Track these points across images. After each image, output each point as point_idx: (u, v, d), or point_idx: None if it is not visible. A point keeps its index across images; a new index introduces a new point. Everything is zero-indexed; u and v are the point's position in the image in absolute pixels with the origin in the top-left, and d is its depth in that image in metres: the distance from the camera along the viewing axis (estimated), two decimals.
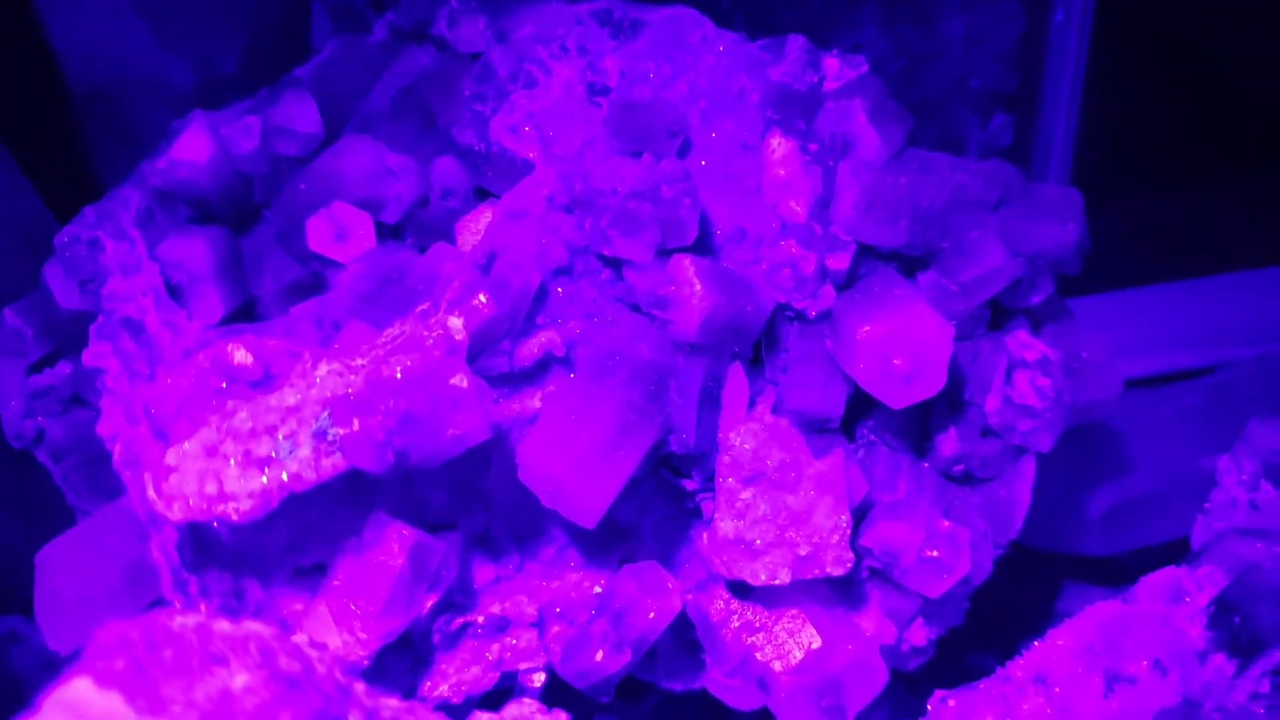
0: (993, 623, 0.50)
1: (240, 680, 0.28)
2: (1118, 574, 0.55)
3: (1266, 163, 0.63)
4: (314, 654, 0.30)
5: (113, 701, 0.27)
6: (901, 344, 0.41)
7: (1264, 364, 0.60)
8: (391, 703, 0.31)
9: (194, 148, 0.42)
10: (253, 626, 0.30)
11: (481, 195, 0.45)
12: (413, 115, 0.46)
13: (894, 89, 0.46)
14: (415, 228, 0.45)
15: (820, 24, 0.49)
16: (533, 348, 0.41)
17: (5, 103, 0.51)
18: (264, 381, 0.37)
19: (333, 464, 0.35)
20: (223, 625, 0.30)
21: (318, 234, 0.43)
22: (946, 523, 0.43)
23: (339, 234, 0.43)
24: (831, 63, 0.45)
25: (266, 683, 0.28)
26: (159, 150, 0.42)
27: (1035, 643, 0.44)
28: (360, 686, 0.30)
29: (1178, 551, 0.45)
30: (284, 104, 0.45)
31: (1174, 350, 0.63)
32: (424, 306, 0.39)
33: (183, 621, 0.29)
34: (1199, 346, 0.62)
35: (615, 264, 0.41)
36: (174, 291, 0.41)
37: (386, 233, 0.45)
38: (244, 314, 0.44)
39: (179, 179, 0.42)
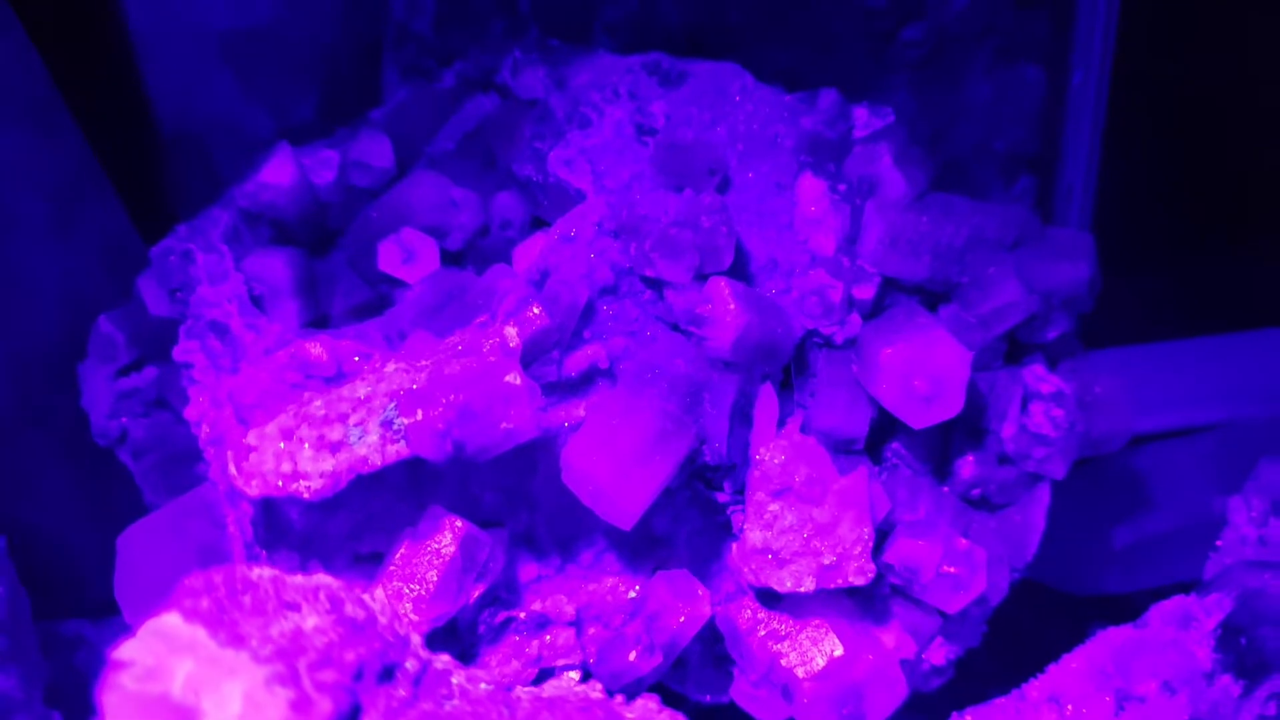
0: (1013, 658, 0.52)
1: (311, 622, 0.31)
2: (1135, 613, 0.57)
3: None
4: (377, 606, 0.33)
5: (198, 633, 0.30)
6: (922, 367, 0.44)
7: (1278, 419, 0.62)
8: (444, 657, 0.34)
9: (279, 173, 0.46)
10: (323, 579, 0.33)
11: (537, 226, 0.49)
12: (477, 155, 0.50)
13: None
14: (475, 255, 0.49)
15: (853, 87, 0.53)
16: (580, 360, 0.44)
17: (102, 140, 0.56)
18: (336, 378, 0.40)
19: (397, 450, 0.38)
20: (296, 578, 0.33)
21: (388, 256, 0.47)
22: (964, 541, 0.46)
23: (407, 256, 0.47)
24: (860, 113, 0.49)
25: (334, 625, 0.31)
26: (247, 175, 0.47)
27: (1050, 666, 0.46)
28: (417, 639, 0.33)
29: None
30: (361, 141, 0.49)
31: (1188, 407, 0.65)
32: (482, 318, 0.43)
33: (260, 573, 0.32)
34: (1213, 404, 0.64)
35: (657, 285, 0.45)
36: (256, 301, 0.45)
37: (449, 259, 0.49)
38: (317, 328, 0.48)
39: (264, 201, 0.47)
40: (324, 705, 0.29)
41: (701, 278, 0.44)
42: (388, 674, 0.31)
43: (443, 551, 0.41)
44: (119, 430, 0.48)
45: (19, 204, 0.52)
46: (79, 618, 0.59)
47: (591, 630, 0.45)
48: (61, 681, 0.53)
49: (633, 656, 0.44)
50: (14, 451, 0.54)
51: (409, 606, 0.40)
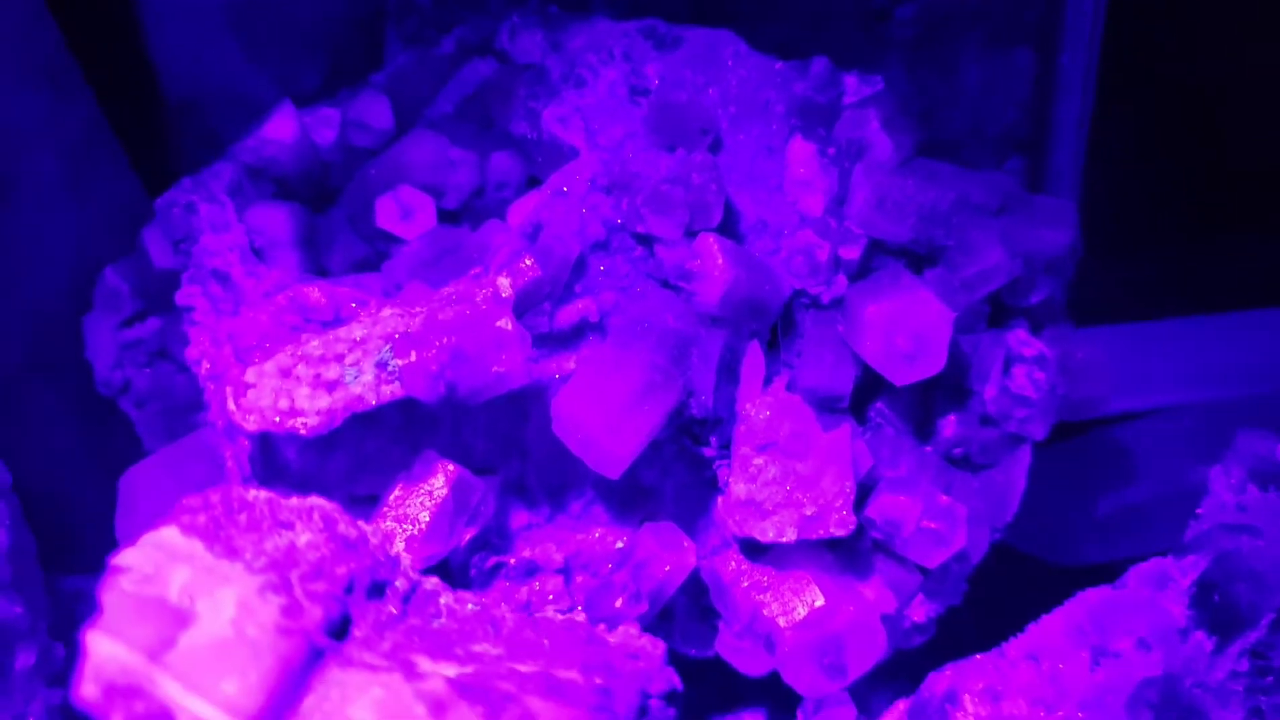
0: (995, 624, 0.53)
1: (304, 538, 0.32)
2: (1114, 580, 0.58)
3: (1273, 206, 0.67)
4: (369, 529, 0.34)
5: (195, 546, 0.31)
6: (906, 325, 0.45)
7: (1262, 397, 0.63)
8: (434, 579, 0.35)
9: (282, 128, 0.48)
10: (317, 501, 0.34)
11: (532, 187, 0.50)
12: (474, 118, 0.52)
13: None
14: (471, 215, 0.50)
15: (847, 65, 0.54)
16: (571, 313, 0.45)
17: (112, 106, 0.57)
18: (334, 322, 0.42)
19: (391, 391, 0.40)
20: (291, 500, 0.34)
21: (385, 212, 0.48)
22: (945, 498, 0.47)
23: (404, 213, 0.48)
24: (850, 80, 0.50)
25: (326, 541, 0.32)
26: (250, 130, 0.48)
27: (1029, 626, 0.47)
28: (408, 560, 0.34)
29: None
30: (361, 101, 0.51)
31: (1171, 387, 0.65)
32: (476, 270, 0.44)
33: (256, 494, 0.34)
34: (1196, 384, 0.65)
35: (647, 241, 0.46)
36: (257, 253, 0.46)
37: (446, 218, 0.50)
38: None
39: (266, 156, 0.48)
40: (315, 613, 0.30)
41: (691, 234, 0.46)
42: (378, 590, 0.32)
43: (435, 494, 0.42)
44: (122, 380, 0.50)
45: (32, 163, 0.53)
46: (81, 573, 0.60)
47: (579, 578, 0.47)
48: (63, 634, 0.54)
49: (619, 604, 0.45)
50: (22, 405, 0.55)
51: (401, 546, 0.41)
